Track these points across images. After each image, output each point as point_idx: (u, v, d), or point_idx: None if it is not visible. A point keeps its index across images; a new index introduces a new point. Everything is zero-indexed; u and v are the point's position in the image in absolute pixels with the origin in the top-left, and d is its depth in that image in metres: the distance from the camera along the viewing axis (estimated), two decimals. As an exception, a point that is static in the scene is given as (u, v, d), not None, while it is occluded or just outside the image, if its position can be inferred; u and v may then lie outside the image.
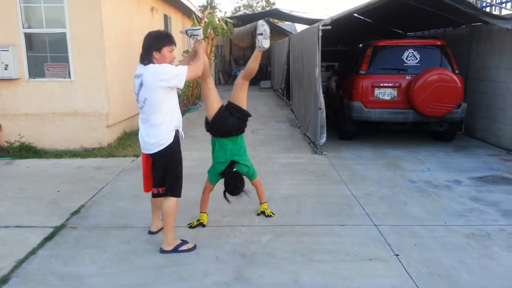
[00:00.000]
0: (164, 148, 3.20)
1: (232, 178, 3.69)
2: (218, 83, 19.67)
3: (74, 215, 4.12)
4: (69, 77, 6.66)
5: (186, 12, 13.41)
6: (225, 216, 4.08)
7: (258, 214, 4.10)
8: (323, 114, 6.50)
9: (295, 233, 3.76)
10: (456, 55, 7.16)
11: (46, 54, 6.70)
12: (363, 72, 6.87)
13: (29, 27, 6.60)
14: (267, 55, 20.78)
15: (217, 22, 14.77)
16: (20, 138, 6.68)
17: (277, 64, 15.01)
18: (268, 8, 35.15)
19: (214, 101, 3.62)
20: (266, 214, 4.06)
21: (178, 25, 12.95)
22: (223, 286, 2.90)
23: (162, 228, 3.56)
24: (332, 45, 12.40)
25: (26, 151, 6.48)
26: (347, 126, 7.32)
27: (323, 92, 9.44)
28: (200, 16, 13.63)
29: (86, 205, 4.39)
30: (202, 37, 3.41)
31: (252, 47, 23.29)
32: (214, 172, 3.79)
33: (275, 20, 25.80)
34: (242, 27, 21.72)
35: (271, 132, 8.34)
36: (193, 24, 12.16)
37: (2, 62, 6.45)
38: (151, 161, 3.37)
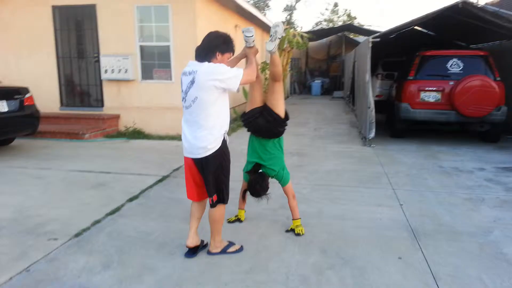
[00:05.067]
0: (213, 152, 3.04)
1: (253, 180, 3.59)
2: (293, 92, 21.22)
3: (175, 170, 5.85)
4: (171, 79, 8.60)
5: (266, 28, 15.14)
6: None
7: (287, 231, 3.81)
8: (372, 112, 7.69)
9: (328, 189, 5.09)
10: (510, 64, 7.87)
11: (154, 61, 8.71)
12: (411, 78, 7.93)
13: (143, 41, 8.68)
14: (342, 67, 21.89)
15: (293, 36, 16.37)
16: (134, 124, 8.76)
17: (346, 74, 16.18)
18: (349, 22, 36.06)
19: (257, 98, 3.56)
20: (296, 232, 3.74)
21: (257, 40, 14.72)
22: (271, 211, 4.33)
23: (199, 245, 3.37)
24: (399, 55, 13.34)
25: (137, 134, 8.54)
26: (396, 124, 8.39)
27: (385, 99, 10.53)
28: (277, 31, 15.28)
29: (183, 166, 6.10)
30: (253, 45, 3.33)
31: (327, 59, 24.53)
32: (245, 169, 3.80)
33: (352, 34, 26.79)
34: (319, 41, 23.12)
35: (331, 130, 9.62)
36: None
37: (124, 67, 8.59)
38: (192, 166, 3.20)
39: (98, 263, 3.20)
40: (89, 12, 8.84)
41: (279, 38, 3.40)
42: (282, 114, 3.55)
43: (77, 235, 3.67)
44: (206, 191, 3.19)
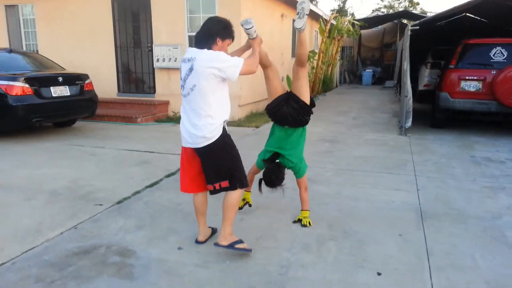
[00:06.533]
0: (214, 141, 2.97)
1: (270, 170, 3.55)
2: (343, 81, 21.10)
3: (211, 152, 6.36)
4: (215, 67, 9.11)
5: (314, 16, 15.22)
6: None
7: (294, 222, 3.81)
8: (409, 101, 7.73)
9: (351, 173, 5.35)
10: None
11: (201, 51, 9.25)
12: (452, 66, 7.84)
13: (191, 31, 9.25)
14: (394, 56, 21.36)
15: (344, 24, 16.32)
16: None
17: (397, 63, 15.90)
18: (411, 9, 34.71)
19: (277, 87, 3.50)
20: (303, 224, 3.73)
21: (306, 30, 14.84)
22: (292, 190, 4.68)
23: (211, 236, 3.42)
24: (451, 44, 12.95)
25: (184, 119, 9.17)
26: (436, 114, 8.35)
27: (433, 89, 10.38)
28: (326, 19, 15.32)
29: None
30: (256, 35, 3.24)
31: (381, 48, 24.01)
32: (262, 157, 3.73)
33: (412, 22, 25.92)
34: (373, 29, 22.69)
35: (371, 119, 9.70)
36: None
37: (173, 56, 9.24)
38: (191, 156, 3.15)
39: (133, 225, 3.76)
40: (144, 4, 9.56)
41: (307, 15, 3.32)
42: (307, 101, 3.46)
43: (119, 202, 4.28)
44: (205, 178, 3.13)
